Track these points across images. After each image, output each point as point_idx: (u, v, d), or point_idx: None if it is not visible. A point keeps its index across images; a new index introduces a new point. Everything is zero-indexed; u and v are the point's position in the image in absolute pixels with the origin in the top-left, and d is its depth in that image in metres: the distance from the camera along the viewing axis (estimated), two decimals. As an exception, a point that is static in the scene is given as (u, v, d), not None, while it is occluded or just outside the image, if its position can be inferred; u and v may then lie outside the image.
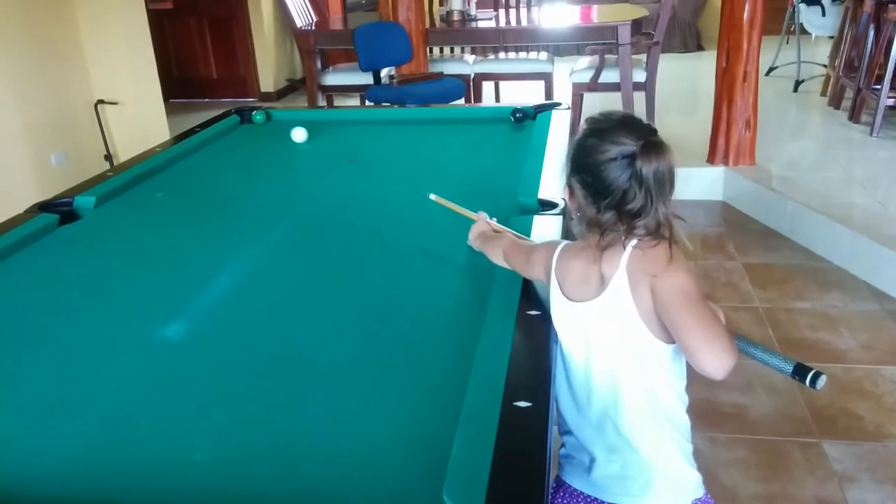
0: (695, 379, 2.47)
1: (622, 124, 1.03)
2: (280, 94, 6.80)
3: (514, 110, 2.61)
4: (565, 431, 1.18)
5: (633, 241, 1.02)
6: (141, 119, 4.57)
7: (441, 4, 5.65)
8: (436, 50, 5.43)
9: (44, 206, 1.87)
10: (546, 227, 1.52)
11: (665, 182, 1.00)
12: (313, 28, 5.02)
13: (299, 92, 6.97)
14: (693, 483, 1.12)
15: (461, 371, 1.04)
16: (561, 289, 1.11)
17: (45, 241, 1.71)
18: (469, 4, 4.95)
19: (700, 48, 7.70)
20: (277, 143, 2.57)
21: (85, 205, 1.92)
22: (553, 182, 1.81)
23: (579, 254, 1.09)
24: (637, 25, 4.23)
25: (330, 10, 6.96)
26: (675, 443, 1.11)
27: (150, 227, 1.83)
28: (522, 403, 0.92)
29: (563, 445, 1.20)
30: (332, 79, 4.80)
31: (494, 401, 0.93)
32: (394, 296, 1.40)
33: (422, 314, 1.32)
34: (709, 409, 2.14)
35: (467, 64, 4.88)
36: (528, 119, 2.59)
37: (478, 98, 4.84)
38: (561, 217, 1.58)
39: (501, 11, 5.44)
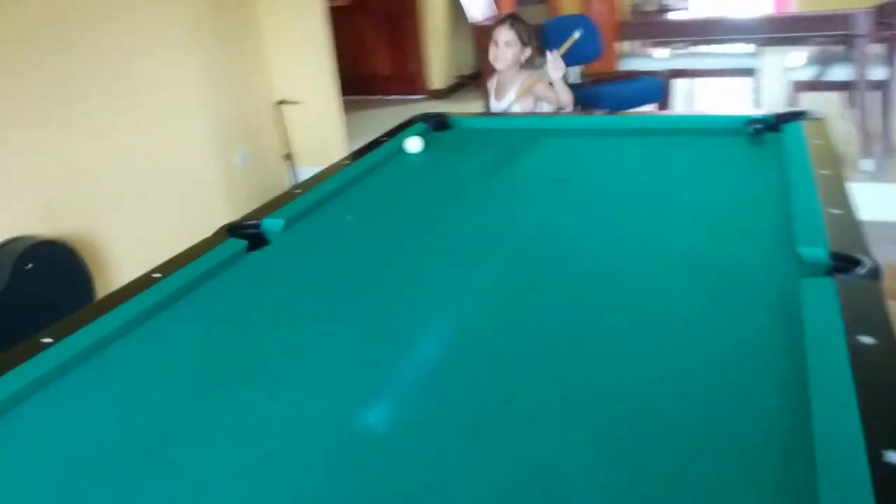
0: None
1: None
2: (450, 91, 6.63)
3: (751, 120, 2.18)
4: None
5: None
6: (318, 117, 4.52)
7: (629, -6, 5.20)
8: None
9: (232, 229, 1.70)
10: (862, 296, 1.12)
11: None
12: (492, 22, 4.75)
13: (468, 89, 6.77)
14: None
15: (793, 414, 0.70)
16: None
17: (233, 270, 1.53)
18: (663, -7, 4.49)
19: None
20: (465, 157, 2.31)
21: (273, 227, 1.74)
22: (842, 226, 1.40)
23: None
24: (877, 13, 3.59)
25: (501, 3, 6.68)
26: None
27: (341, 259, 1.60)
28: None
29: None
30: (510, 76, 4.50)
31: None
32: (672, 353, 1.07)
33: (711, 369, 0.98)
34: None
35: (656, 59, 4.42)
36: (769, 131, 2.16)
37: (668, 97, 4.37)
38: (878, 283, 1.17)
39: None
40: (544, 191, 1.94)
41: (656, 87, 3.70)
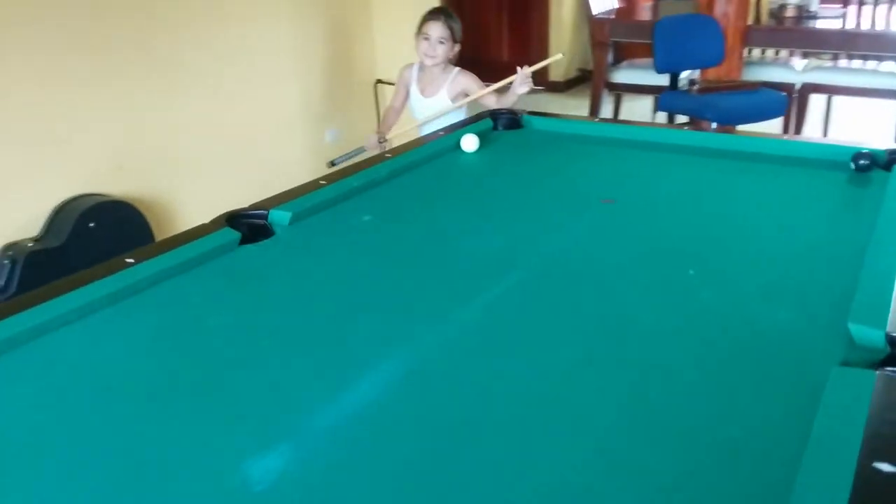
0: None
1: None
2: (569, 84, 6.34)
3: (857, 154, 1.84)
4: None
5: None
6: (417, 102, 4.40)
7: (773, -4, 4.72)
8: (755, 50, 4.55)
9: (233, 217, 1.60)
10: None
11: None
12: (612, 16, 4.45)
13: (588, 84, 6.44)
14: None
15: None
16: None
17: (211, 265, 1.42)
18: (811, -2, 4.02)
19: None
20: (519, 162, 2.11)
21: (279, 220, 1.62)
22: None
23: None
24: None
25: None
26: None
27: (331, 266, 1.46)
28: None
29: None
30: (623, 75, 4.21)
31: None
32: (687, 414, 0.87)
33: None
34: None
35: (793, 70, 3.97)
36: (877, 169, 1.81)
37: (801, 115, 3.92)
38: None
39: (851, 8, 4.37)
40: (587, 212, 1.71)
41: (778, 102, 3.29)
